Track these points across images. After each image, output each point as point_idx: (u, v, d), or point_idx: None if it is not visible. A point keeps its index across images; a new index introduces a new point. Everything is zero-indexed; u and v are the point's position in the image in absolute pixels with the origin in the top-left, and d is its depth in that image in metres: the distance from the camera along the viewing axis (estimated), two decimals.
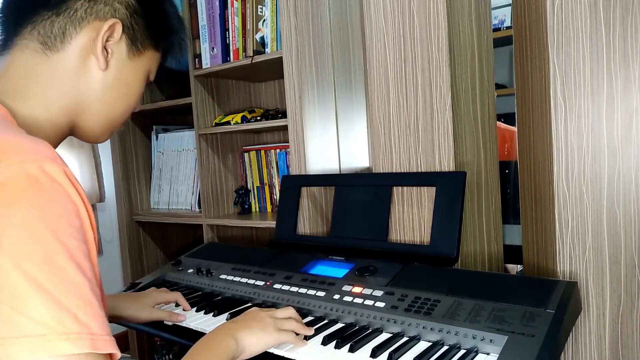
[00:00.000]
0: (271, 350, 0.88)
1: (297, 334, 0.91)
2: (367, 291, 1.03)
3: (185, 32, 0.80)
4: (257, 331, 0.84)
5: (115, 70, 0.70)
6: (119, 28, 0.69)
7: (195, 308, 1.14)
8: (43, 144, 0.54)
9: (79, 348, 0.47)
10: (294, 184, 1.44)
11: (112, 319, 1.09)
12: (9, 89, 0.65)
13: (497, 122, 1.79)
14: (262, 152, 1.89)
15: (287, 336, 0.88)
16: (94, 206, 2.37)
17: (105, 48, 0.68)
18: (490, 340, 0.82)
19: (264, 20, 1.65)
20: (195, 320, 1.08)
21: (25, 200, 0.48)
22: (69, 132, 0.72)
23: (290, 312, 0.94)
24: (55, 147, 0.69)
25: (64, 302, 0.48)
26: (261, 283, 1.19)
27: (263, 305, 1.12)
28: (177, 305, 1.17)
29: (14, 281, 0.46)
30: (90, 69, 0.68)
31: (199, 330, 1.04)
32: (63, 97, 0.68)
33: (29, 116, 0.66)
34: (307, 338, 0.92)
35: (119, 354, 0.52)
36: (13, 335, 0.46)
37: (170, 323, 1.10)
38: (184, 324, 1.08)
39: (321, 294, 1.08)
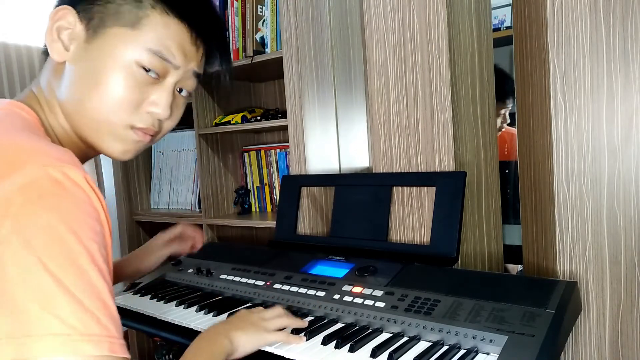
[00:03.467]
0: (271, 350, 0.88)
1: (295, 333, 0.92)
2: (367, 291, 1.03)
3: None
4: (250, 332, 0.86)
5: (84, 56, 0.65)
6: (67, 13, 0.65)
7: (195, 308, 1.14)
8: (65, 151, 0.56)
9: (99, 350, 0.49)
10: (294, 184, 1.43)
11: (132, 275, 1.16)
12: (42, 99, 0.68)
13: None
14: (262, 152, 1.89)
15: (277, 336, 0.88)
16: None
17: (59, 38, 0.65)
18: (490, 340, 0.81)
19: (264, 20, 1.65)
20: (195, 320, 1.08)
21: (49, 203, 0.49)
22: (85, 146, 0.71)
23: (279, 310, 0.95)
24: (83, 161, 0.70)
25: (86, 304, 0.49)
26: (261, 283, 1.19)
27: (263, 305, 1.12)
28: (178, 304, 1.18)
29: (41, 280, 0.47)
30: (55, 67, 0.67)
31: (199, 330, 1.04)
32: (69, 104, 0.67)
33: (58, 127, 0.68)
34: (307, 337, 0.92)
35: (129, 358, 0.53)
36: (40, 332, 0.47)
37: (167, 319, 1.10)
38: (184, 324, 1.08)
39: (321, 294, 1.08)
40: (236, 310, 1.09)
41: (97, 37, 0.64)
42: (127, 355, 0.52)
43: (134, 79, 0.65)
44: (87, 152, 0.72)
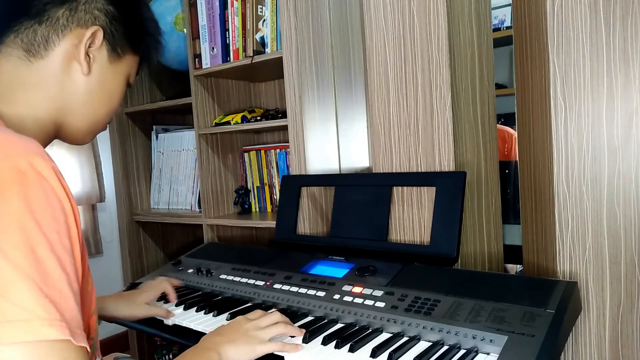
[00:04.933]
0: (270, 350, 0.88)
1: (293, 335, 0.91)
2: (367, 291, 1.03)
3: (160, 34, 0.84)
4: (241, 345, 0.84)
5: (98, 75, 0.73)
6: (100, 35, 0.72)
7: (195, 308, 1.14)
8: (31, 141, 0.57)
9: (61, 334, 0.50)
10: (294, 184, 1.44)
11: (109, 319, 1.10)
12: None
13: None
14: (262, 152, 1.89)
15: (272, 346, 0.87)
16: (93, 206, 2.37)
17: (87, 54, 0.71)
18: (490, 340, 0.82)
19: (264, 20, 1.65)
20: (196, 320, 1.08)
21: (12, 192, 0.50)
22: (55, 134, 0.75)
23: (275, 317, 0.92)
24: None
25: (45, 290, 0.50)
26: (261, 283, 1.19)
27: (263, 305, 1.12)
28: (172, 303, 1.18)
29: (0, 268, 0.48)
30: (73, 74, 0.71)
31: (199, 330, 1.04)
32: (48, 101, 0.70)
33: (16, 117, 0.68)
34: (307, 338, 0.92)
35: (89, 350, 0.54)
36: None
37: (169, 322, 1.10)
38: (184, 324, 1.08)
39: (321, 294, 1.08)
40: (237, 310, 1.09)
41: (119, 62, 0.76)
42: (86, 346, 0.53)
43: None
44: (49, 138, 0.74)
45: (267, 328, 0.89)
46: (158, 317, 1.12)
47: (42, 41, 0.68)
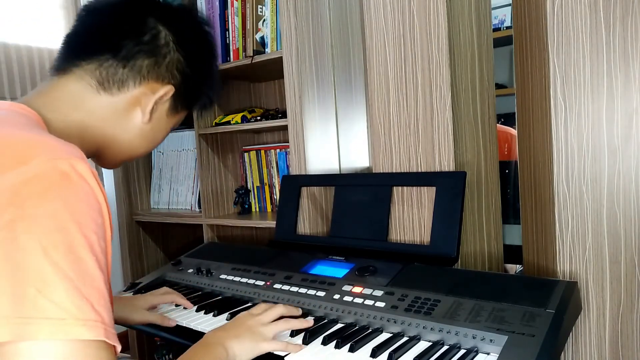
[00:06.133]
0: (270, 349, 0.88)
1: (297, 333, 0.91)
2: (367, 291, 1.03)
3: (218, 94, 0.88)
4: (246, 341, 0.85)
5: (154, 124, 0.78)
6: (170, 93, 0.76)
7: (195, 308, 1.14)
8: (73, 146, 0.58)
9: (94, 335, 0.51)
10: (294, 184, 1.44)
11: (146, 324, 1.11)
12: (51, 106, 0.71)
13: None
14: (262, 152, 1.89)
15: (275, 345, 0.87)
16: None
17: (153, 106, 0.76)
18: (490, 340, 0.82)
19: (264, 20, 1.65)
20: (196, 320, 1.08)
21: (55, 194, 0.52)
22: (91, 156, 0.78)
23: (279, 311, 0.94)
24: None
25: (83, 290, 0.51)
26: (261, 283, 1.19)
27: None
28: (177, 305, 1.17)
29: (40, 266, 0.49)
30: (132, 118, 0.75)
31: (199, 330, 1.04)
32: (99, 130, 0.74)
33: (63, 129, 0.70)
34: (307, 338, 0.92)
35: (119, 349, 0.55)
36: (36, 315, 0.48)
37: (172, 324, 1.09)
38: (184, 324, 1.08)
39: (321, 294, 1.08)
40: (237, 311, 1.09)
41: (175, 116, 0.81)
42: (118, 345, 0.54)
43: None
44: (87, 156, 0.76)
45: (271, 324, 0.90)
46: (156, 324, 1.09)
47: (118, 81, 0.72)
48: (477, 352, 0.82)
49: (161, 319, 1.09)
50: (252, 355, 0.85)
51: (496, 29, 2.50)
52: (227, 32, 1.72)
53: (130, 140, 0.77)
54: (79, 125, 0.72)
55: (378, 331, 0.94)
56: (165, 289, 1.21)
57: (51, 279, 0.49)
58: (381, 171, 1.27)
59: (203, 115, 0.91)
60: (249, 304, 1.15)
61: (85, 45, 0.73)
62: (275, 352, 0.87)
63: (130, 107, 0.74)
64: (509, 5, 2.40)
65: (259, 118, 1.72)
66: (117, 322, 1.09)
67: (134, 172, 2.15)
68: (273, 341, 0.88)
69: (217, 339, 0.84)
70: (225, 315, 1.07)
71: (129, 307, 1.10)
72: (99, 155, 0.79)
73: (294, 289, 1.12)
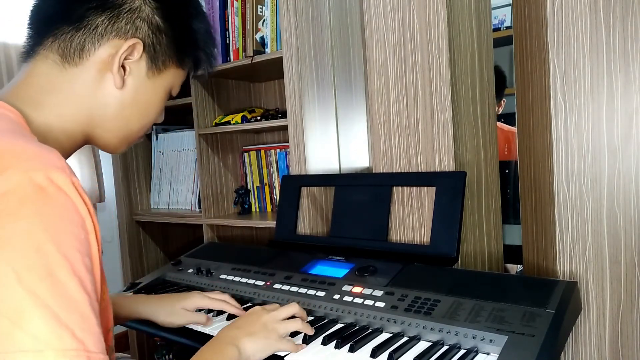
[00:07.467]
0: None
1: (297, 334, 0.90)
2: (367, 291, 1.03)
3: (213, 46, 0.79)
4: (260, 339, 0.83)
5: (133, 89, 0.70)
6: (139, 48, 0.68)
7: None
8: (52, 152, 0.54)
9: None
10: (294, 184, 1.44)
11: (146, 324, 1.04)
12: (27, 96, 0.66)
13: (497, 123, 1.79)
14: (262, 152, 1.89)
15: (288, 345, 0.86)
16: (94, 206, 2.37)
17: (123, 66, 0.68)
18: (490, 340, 0.82)
19: (264, 20, 1.65)
20: None
21: (30, 210, 0.47)
22: (84, 142, 0.72)
23: (294, 308, 0.91)
24: (68, 156, 0.69)
25: (62, 317, 0.47)
26: (261, 283, 1.19)
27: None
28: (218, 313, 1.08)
29: (14, 294, 0.46)
30: (106, 86, 0.68)
31: (199, 330, 1.04)
32: (78, 110, 0.68)
33: (43, 124, 0.66)
34: (306, 340, 0.91)
35: None
36: (10, 349, 0.45)
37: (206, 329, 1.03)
38: None
39: (321, 294, 1.08)
40: (245, 308, 1.08)
41: (159, 76, 0.72)
42: None
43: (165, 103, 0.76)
44: (77, 146, 0.72)
45: (285, 322, 0.88)
46: (197, 325, 1.03)
47: (78, 49, 0.66)
48: (477, 352, 0.82)
49: (207, 319, 1.03)
50: (266, 354, 0.83)
51: (496, 29, 2.50)
52: (227, 32, 1.72)
53: (114, 114, 0.70)
54: (58, 114, 0.67)
55: (378, 331, 0.93)
56: (218, 293, 1.10)
57: (26, 308, 0.46)
58: (381, 171, 1.27)
59: (208, 73, 0.80)
60: (249, 304, 1.15)
61: (41, 21, 0.68)
62: (282, 353, 0.87)
63: (101, 75, 0.67)
64: (509, 5, 2.40)
65: (259, 118, 1.72)
66: (160, 324, 1.03)
67: (134, 172, 2.15)
68: (286, 340, 0.86)
69: (229, 339, 0.81)
70: (225, 315, 1.07)
71: (172, 309, 1.03)
72: (93, 140, 0.73)
73: (294, 289, 1.12)
